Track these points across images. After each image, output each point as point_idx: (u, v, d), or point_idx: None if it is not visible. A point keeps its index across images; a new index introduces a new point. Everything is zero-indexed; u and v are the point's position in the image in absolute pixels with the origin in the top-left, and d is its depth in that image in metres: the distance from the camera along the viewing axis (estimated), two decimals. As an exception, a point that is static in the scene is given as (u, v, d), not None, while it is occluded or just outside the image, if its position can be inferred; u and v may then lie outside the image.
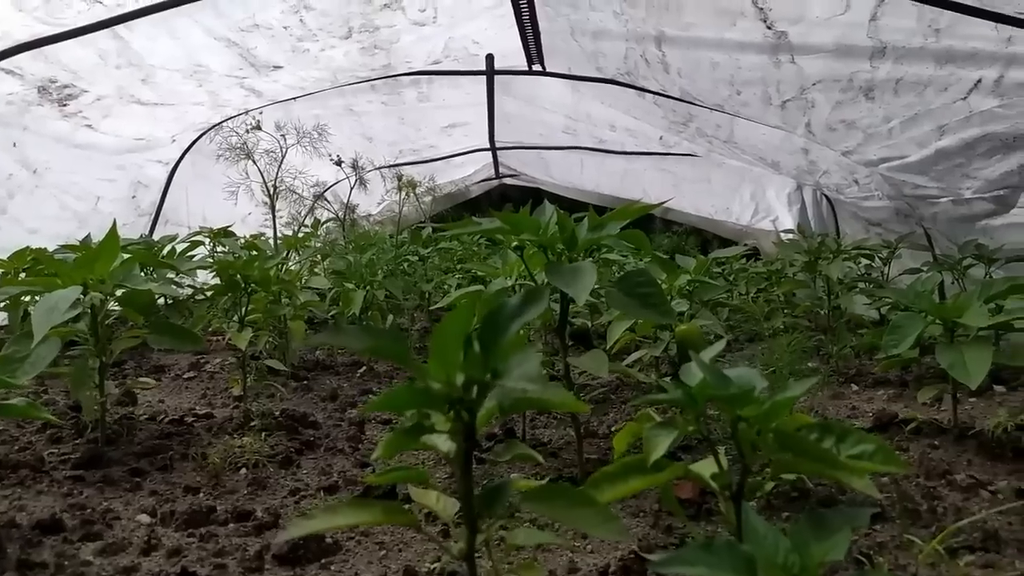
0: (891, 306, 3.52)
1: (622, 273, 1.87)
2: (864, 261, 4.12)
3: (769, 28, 2.97)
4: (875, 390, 2.95)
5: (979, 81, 2.74)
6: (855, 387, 3.04)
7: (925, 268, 3.59)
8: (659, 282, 1.84)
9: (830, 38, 2.90)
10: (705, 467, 1.15)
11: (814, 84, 3.33)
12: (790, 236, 5.34)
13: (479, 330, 0.85)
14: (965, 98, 2.88)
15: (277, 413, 2.39)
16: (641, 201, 7.46)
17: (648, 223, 8.56)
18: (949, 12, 2.41)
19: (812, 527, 0.89)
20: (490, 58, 4.70)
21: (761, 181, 6.43)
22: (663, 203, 1.83)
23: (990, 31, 2.42)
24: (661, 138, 5.67)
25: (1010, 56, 2.52)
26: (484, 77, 5.07)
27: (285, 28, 3.60)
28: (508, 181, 8.22)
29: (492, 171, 7.88)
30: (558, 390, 0.81)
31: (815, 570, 0.83)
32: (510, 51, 4.49)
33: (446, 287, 4.12)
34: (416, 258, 4.75)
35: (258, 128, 3.55)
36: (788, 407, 1.01)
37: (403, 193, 4.25)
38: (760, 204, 6.74)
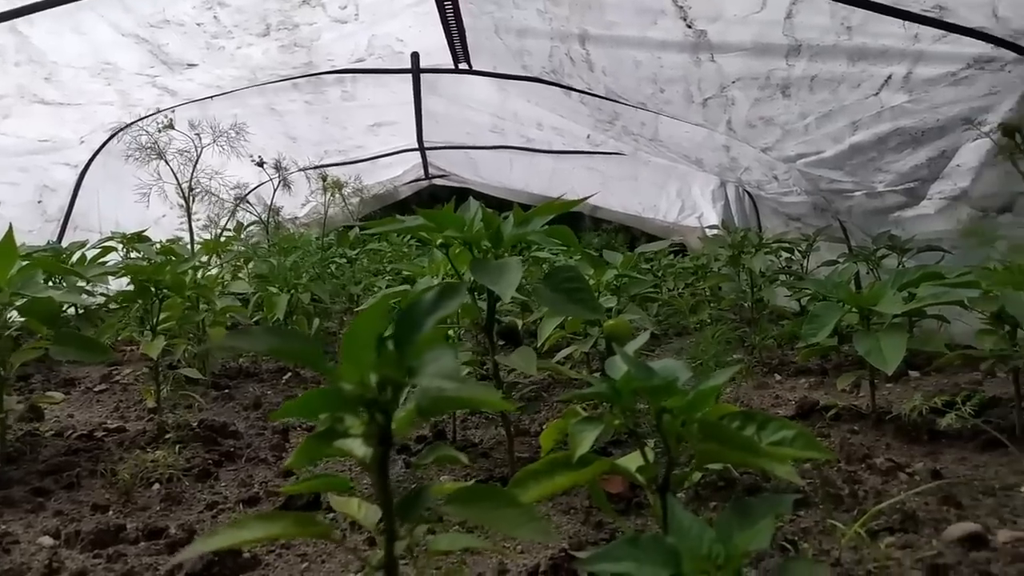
0: (811, 297, 3.62)
1: (548, 271, 1.85)
2: (785, 254, 4.24)
3: (689, 27, 3.01)
4: (797, 379, 3.03)
5: (889, 77, 2.84)
6: (778, 376, 3.11)
7: (841, 259, 3.71)
8: (587, 278, 1.83)
9: (748, 36, 2.96)
10: (632, 461, 1.14)
11: (733, 82, 3.39)
12: (715, 232, 5.47)
13: (393, 327, 0.81)
14: (876, 94, 2.98)
15: (195, 424, 2.29)
16: (552, 195, 7.49)
17: (578, 221, 8.64)
18: (860, 10, 2.49)
19: (736, 516, 0.88)
20: (415, 56, 4.64)
21: (686, 178, 6.56)
22: (587, 198, 1.82)
23: (899, 28, 2.51)
24: (588, 136, 5.72)
25: (918, 53, 2.62)
26: (410, 76, 4.99)
27: (198, 25, 3.45)
28: (438, 181, 8.16)
29: (421, 171, 7.80)
30: (478, 387, 0.78)
31: (739, 559, 0.82)
32: (435, 49, 4.44)
33: (376, 289, 4.05)
34: (344, 260, 4.66)
35: (170, 127, 3.40)
36: (711, 397, 1.01)
37: (329, 194, 4.14)
38: (686, 201, 6.88)
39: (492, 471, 1.94)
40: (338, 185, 4.41)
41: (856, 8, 2.52)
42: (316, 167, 5.25)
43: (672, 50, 3.28)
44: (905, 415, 1.97)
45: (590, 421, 1.04)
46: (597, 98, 4.44)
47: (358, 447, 0.85)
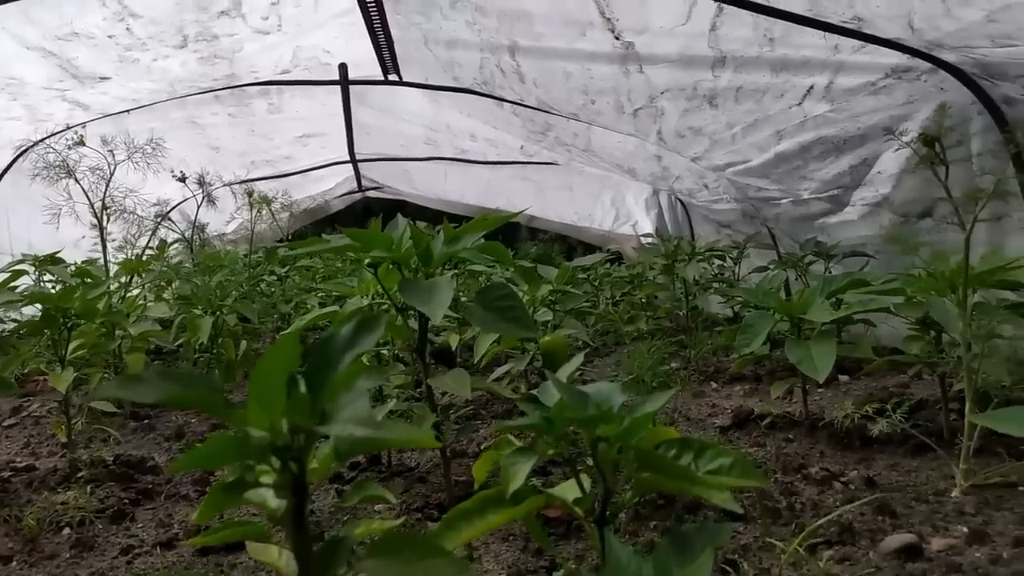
0: (743, 303, 3.67)
1: (481, 287, 1.80)
2: (717, 261, 4.30)
3: (617, 38, 3.02)
4: (733, 386, 3.06)
5: (811, 87, 2.90)
6: (714, 384, 3.14)
7: (771, 266, 3.78)
8: (520, 294, 1.79)
9: (674, 48, 2.98)
10: (569, 490, 1.10)
11: (662, 93, 3.42)
12: (649, 240, 5.53)
13: (305, 367, 0.75)
14: (800, 104, 3.04)
15: (110, 460, 2.15)
16: (501, 210, 7.48)
17: (514, 232, 8.64)
18: (782, 22, 2.53)
19: (675, 550, 0.84)
20: (343, 67, 4.54)
21: (620, 188, 6.62)
22: (520, 212, 1.79)
23: (819, 40, 2.56)
24: (522, 147, 5.71)
25: (838, 63, 2.68)
26: (338, 87, 4.89)
27: (110, 37, 3.29)
28: (372, 194, 8.03)
29: (354, 184, 7.66)
30: (397, 428, 0.72)
31: (680, 598, 0.79)
32: (364, 60, 4.35)
33: (308, 307, 3.93)
34: (274, 278, 4.51)
35: (81, 143, 3.22)
36: (647, 423, 0.98)
37: (255, 210, 4.00)
38: (620, 210, 6.94)
39: (429, 497, 1.88)
40: (266, 200, 4.26)
41: (778, 20, 2.56)
42: (243, 181, 5.08)
43: (601, 61, 3.29)
44: (837, 422, 2.00)
45: (523, 452, 0.99)
46: (529, 109, 4.42)
47: (270, 498, 0.78)
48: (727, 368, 3.34)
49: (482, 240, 1.77)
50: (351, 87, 4.91)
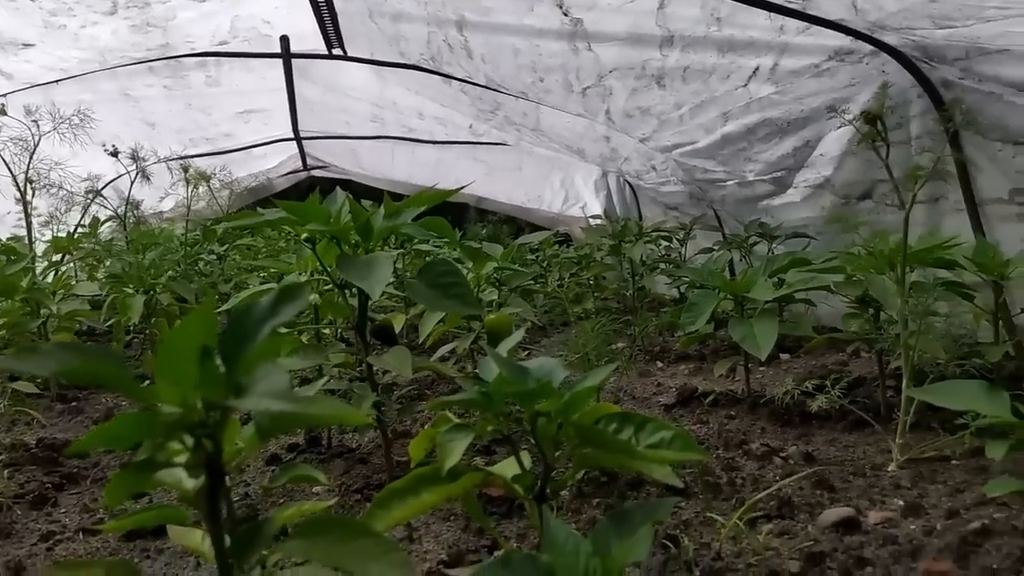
0: (688, 284, 3.70)
1: (424, 264, 1.76)
2: (664, 242, 4.32)
3: (565, 14, 2.98)
4: (678, 365, 3.08)
5: (757, 69, 2.91)
6: (660, 363, 3.15)
7: (716, 247, 3.81)
8: (464, 271, 1.75)
9: (623, 26, 2.95)
10: (510, 467, 1.07)
11: (611, 71, 3.40)
12: (598, 221, 5.53)
13: (221, 337, 0.70)
14: (745, 85, 3.05)
15: (32, 443, 2.04)
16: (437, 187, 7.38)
17: (463, 213, 8.56)
18: (729, 1, 2.53)
19: (614, 526, 0.82)
20: (285, 40, 4.39)
21: (569, 169, 6.60)
22: (460, 189, 1.74)
23: (765, 20, 2.56)
24: (471, 126, 5.63)
25: (783, 45, 2.69)
26: (280, 60, 4.73)
27: (33, 0, 3.11)
28: (317, 173, 7.85)
29: (299, 162, 7.48)
30: (320, 403, 0.68)
31: (617, 574, 0.77)
32: (307, 33, 4.22)
33: (247, 286, 3.81)
34: (213, 256, 4.36)
35: (3, 113, 3.05)
36: (588, 398, 0.95)
37: (192, 187, 3.85)
38: (570, 191, 6.94)
39: (370, 478, 1.83)
40: (204, 177, 4.11)
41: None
42: (180, 157, 4.89)
43: (550, 38, 3.25)
44: (778, 399, 2.02)
45: (460, 429, 0.96)
46: (478, 87, 4.35)
47: (185, 479, 0.73)
48: (672, 347, 3.36)
49: (425, 217, 1.73)
50: (293, 61, 4.76)
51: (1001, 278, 2.02)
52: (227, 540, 0.75)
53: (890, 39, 2.41)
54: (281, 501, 1.71)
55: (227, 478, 0.79)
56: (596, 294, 4.34)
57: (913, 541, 1.26)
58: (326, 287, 2.01)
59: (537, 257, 5.65)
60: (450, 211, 7.72)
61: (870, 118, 1.57)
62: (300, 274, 1.95)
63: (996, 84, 2.16)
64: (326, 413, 0.71)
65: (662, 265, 4.11)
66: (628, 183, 6.06)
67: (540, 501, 0.97)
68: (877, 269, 1.90)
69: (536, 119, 4.74)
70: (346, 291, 1.74)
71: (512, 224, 8.80)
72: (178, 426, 0.68)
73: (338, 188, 1.76)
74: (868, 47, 2.51)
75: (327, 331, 2.26)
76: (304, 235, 1.72)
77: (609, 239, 3.84)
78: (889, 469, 1.69)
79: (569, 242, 6.61)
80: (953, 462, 1.70)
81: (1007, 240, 2.34)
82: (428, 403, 1.08)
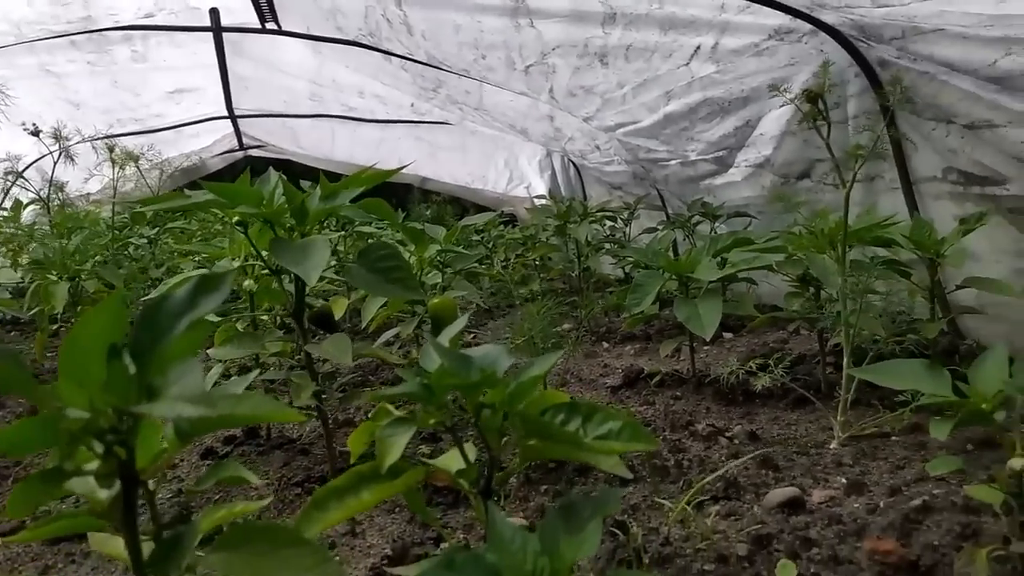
0: (634, 264, 3.71)
1: (363, 247, 1.69)
2: (608, 223, 4.33)
3: (507, -11, 2.92)
4: (624, 346, 3.09)
5: (698, 48, 2.90)
6: (606, 344, 3.15)
7: (660, 227, 3.82)
8: (405, 254, 1.70)
9: (565, 2, 2.91)
10: (455, 459, 1.03)
11: (554, 49, 3.35)
12: (543, 202, 5.50)
13: (132, 334, 0.64)
14: (687, 64, 3.04)
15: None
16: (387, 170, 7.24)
17: (406, 193, 8.44)
18: (671, -23, 2.50)
19: (562, 521, 0.79)
20: (215, 13, 4.21)
21: (514, 149, 6.55)
22: (400, 169, 1.67)
23: (706, -1, 2.55)
24: (412, 105, 5.52)
25: (724, 23, 2.68)
26: (211, 35, 4.54)
27: (-65, -35, 2.89)
28: (254, 153, 7.60)
29: (235, 142, 7.23)
30: (248, 403, 0.62)
31: (566, 572, 0.74)
32: (238, 6, 4.05)
33: (183, 272, 3.66)
34: (144, 240, 4.18)
35: (-96, 88, 2.83)
36: (533, 387, 0.92)
37: (119, 167, 3.67)
38: (514, 171, 6.89)
39: (311, 470, 1.77)
40: (132, 157, 3.92)
41: (667, -24, 2.53)
42: (107, 136, 4.66)
43: (492, 14, 3.18)
44: (723, 378, 2.03)
45: (400, 423, 0.91)
46: (419, 64, 4.25)
47: (95, 488, 0.67)
48: (619, 328, 3.36)
49: (365, 198, 1.67)
50: (225, 35, 4.57)
51: (936, 255, 2.06)
52: (149, 548, 0.70)
53: (829, 18, 2.42)
54: (217, 497, 1.63)
55: (151, 482, 0.73)
56: (542, 275, 4.32)
57: (857, 520, 1.27)
58: (264, 272, 1.93)
59: (482, 238, 5.60)
60: (393, 192, 7.58)
61: (812, 96, 1.56)
62: (232, 259, 1.86)
63: (931, 63, 2.19)
64: (251, 413, 0.65)
65: (607, 245, 4.11)
66: (573, 163, 6.05)
67: (486, 495, 0.93)
68: (817, 248, 1.91)
69: (479, 98, 4.67)
70: (282, 277, 1.66)
71: (457, 205, 8.71)
72: (85, 432, 0.62)
73: (271, 168, 1.67)
74: (807, 26, 2.52)
75: (266, 318, 2.18)
76: (235, 218, 1.64)
77: (554, 219, 3.81)
78: (831, 447, 1.71)
79: (515, 223, 6.58)
80: (893, 438, 1.73)
81: (940, 218, 2.39)
82: (367, 395, 1.03)
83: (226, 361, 1.82)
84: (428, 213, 8.34)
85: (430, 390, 0.88)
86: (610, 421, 0.83)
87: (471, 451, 1.02)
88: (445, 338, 1.06)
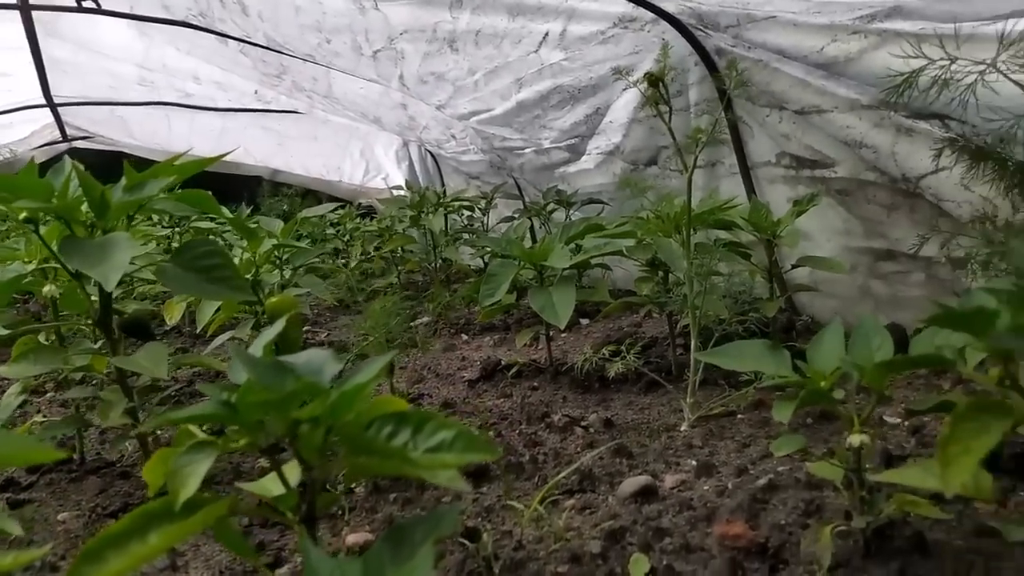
0: (492, 254, 3.67)
1: (181, 244, 1.52)
2: (467, 212, 4.26)
3: (347, -32, 2.76)
4: (483, 337, 3.03)
5: (547, 34, 2.88)
6: (465, 337, 3.08)
7: (516, 215, 3.80)
8: (228, 251, 1.54)
9: (410, -17, 2.80)
10: (274, 482, 0.91)
11: (401, 34, 3.23)
12: (400, 192, 5.36)
13: None
14: (536, 51, 3.01)
15: None
16: (239, 163, 6.83)
17: (256, 186, 8.00)
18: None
19: (389, 548, 0.70)
20: (20, -12, 3.76)
21: (369, 139, 6.35)
22: (221, 157, 1.51)
23: (551, -17, 2.52)
24: (256, 92, 5.20)
25: (571, 10, 2.67)
26: (17, 13, 4.05)
27: None
28: (80, 144, 6.92)
29: (57, 133, 6.55)
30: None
31: (393, 609, 0.65)
32: (48, -19, 3.63)
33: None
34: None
35: None
36: (359, 396, 0.82)
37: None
38: (371, 162, 6.69)
39: (131, 496, 1.58)
40: (-79, 149, 3.42)
41: (512, -41, 2.48)
42: None
43: (332, -5, 3.01)
44: (578, 366, 2.00)
45: (199, 449, 0.79)
46: (259, 48, 3.99)
47: None
48: (477, 319, 3.30)
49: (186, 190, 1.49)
50: (35, 13, 4.10)
51: (773, 236, 2.14)
52: None
53: (668, 6, 2.45)
54: (11, 540, 1.41)
55: None
56: (400, 268, 4.20)
57: (707, 504, 1.27)
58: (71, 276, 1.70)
59: (338, 232, 5.39)
60: (243, 185, 7.14)
61: (653, 80, 1.55)
62: (27, 261, 1.63)
63: (764, 51, 2.26)
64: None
65: (465, 235, 4.04)
66: (430, 153, 5.94)
67: (309, 523, 0.83)
68: (664, 232, 1.93)
69: (328, 85, 4.45)
70: (84, 280, 1.46)
71: (313, 198, 8.35)
72: None
73: (66, 158, 1.46)
74: (649, 15, 2.54)
75: (86, 326, 1.93)
76: (23, 215, 1.42)
77: (408, 209, 3.70)
78: (682, 429, 1.72)
79: (373, 215, 6.38)
80: (739, 416, 1.77)
81: (776, 201, 2.49)
82: (152, 420, 0.89)
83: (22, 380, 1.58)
84: (286, 207, 7.96)
85: (233, 409, 0.76)
86: (442, 431, 0.75)
87: (296, 471, 0.90)
88: (263, 342, 0.94)
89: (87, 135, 6.79)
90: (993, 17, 1.61)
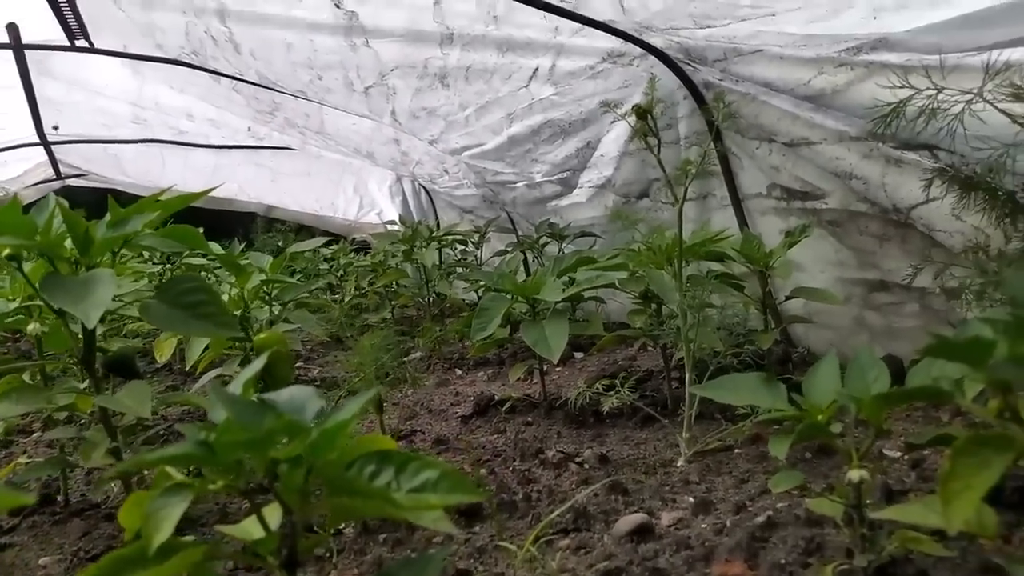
0: (485, 288, 3.65)
1: (166, 280, 1.50)
2: (460, 246, 4.26)
3: (338, 7, 2.78)
4: (477, 372, 3.00)
5: (536, 70, 2.90)
6: (459, 371, 3.05)
7: (510, 249, 3.80)
8: (215, 287, 1.52)
9: (400, 22, 2.82)
10: (255, 524, 0.88)
11: (392, 70, 3.25)
12: (394, 227, 5.36)
13: None
14: (527, 86, 3.03)
15: None
16: (232, 200, 6.84)
17: (251, 222, 8.01)
18: (502, -1, 2.47)
19: (372, 596, 0.67)
20: (14, 28, 3.78)
21: (362, 174, 6.38)
22: (209, 191, 1.50)
23: (540, 20, 2.54)
24: (249, 129, 5.23)
25: (559, 46, 2.69)
26: (11, 53, 4.08)
27: None
28: (74, 182, 6.94)
29: (51, 171, 6.56)
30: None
31: (374, 661, 0.62)
32: (42, 22, 3.65)
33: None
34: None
35: None
36: (340, 435, 0.79)
37: None
38: (364, 198, 6.72)
39: (114, 539, 1.54)
40: (-89, 188, 3.41)
41: (498, -4, 2.50)
42: None
43: (324, 32, 3.03)
44: (572, 401, 1.98)
45: (175, 492, 0.76)
46: (252, 85, 4.01)
47: None
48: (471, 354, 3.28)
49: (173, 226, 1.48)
50: (28, 53, 4.13)
51: (766, 268, 2.13)
52: None
53: (656, 41, 2.47)
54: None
55: None
56: (393, 302, 4.18)
57: (705, 543, 1.23)
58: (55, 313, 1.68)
59: (331, 266, 5.38)
60: (237, 221, 7.14)
61: (641, 112, 1.55)
62: (10, 299, 1.60)
63: (751, 84, 2.28)
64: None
65: (458, 269, 4.03)
66: (424, 188, 5.95)
67: (290, 567, 0.79)
68: (656, 264, 1.92)
69: (320, 121, 4.48)
70: (66, 316, 1.44)
71: (307, 233, 8.36)
72: None
73: (50, 194, 1.45)
74: (637, 50, 2.57)
75: (72, 364, 1.90)
76: (6, 252, 1.40)
77: (401, 243, 3.69)
78: (678, 464, 1.69)
79: (368, 250, 6.38)
80: (736, 451, 1.74)
81: (768, 232, 2.49)
82: (127, 462, 0.86)
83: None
84: (281, 243, 7.96)
85: (211, 450, 0.74)
86: (427, 471, 0.72)
87: (278, 513, 0.87)
88: (240, 382, 0.92)
89: (81, 173, 6.81)
90: (976, 48, 1.62)
